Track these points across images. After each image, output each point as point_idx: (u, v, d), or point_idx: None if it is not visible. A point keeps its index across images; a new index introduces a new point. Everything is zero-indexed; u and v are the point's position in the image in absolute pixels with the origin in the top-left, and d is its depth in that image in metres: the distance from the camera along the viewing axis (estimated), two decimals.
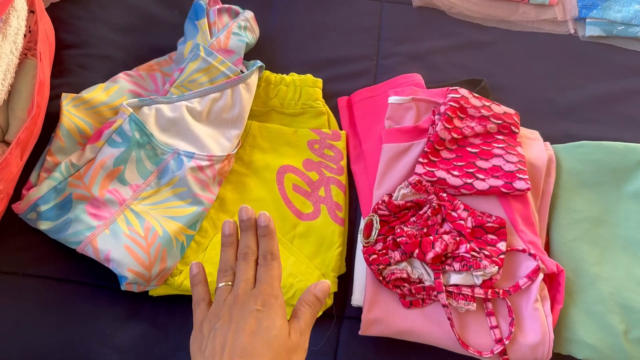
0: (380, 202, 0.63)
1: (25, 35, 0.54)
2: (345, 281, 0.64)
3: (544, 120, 0.75)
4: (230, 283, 0.47)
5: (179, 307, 0.60)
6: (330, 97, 0.74)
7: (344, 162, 0.69)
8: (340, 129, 0.73)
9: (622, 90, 0.78)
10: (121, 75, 0.65)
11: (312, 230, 0.66)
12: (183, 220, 0.60)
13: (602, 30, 0.81)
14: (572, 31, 0.82)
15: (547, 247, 0.67)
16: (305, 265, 0.63)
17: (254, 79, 0.68)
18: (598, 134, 0.73)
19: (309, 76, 0.72)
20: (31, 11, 0.55)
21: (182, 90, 0.65)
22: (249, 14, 0.71)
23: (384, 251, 0.61)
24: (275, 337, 0.43)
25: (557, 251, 0.66)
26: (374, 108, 0.71)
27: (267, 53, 0.75)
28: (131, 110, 0.59)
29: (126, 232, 0.56)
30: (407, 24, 0.79)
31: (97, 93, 0.62)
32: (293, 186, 0.68)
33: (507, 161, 0.64)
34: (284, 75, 0.72)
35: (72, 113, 0.59)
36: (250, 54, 0.71)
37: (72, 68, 0.63)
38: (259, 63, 0.69)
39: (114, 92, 0.63)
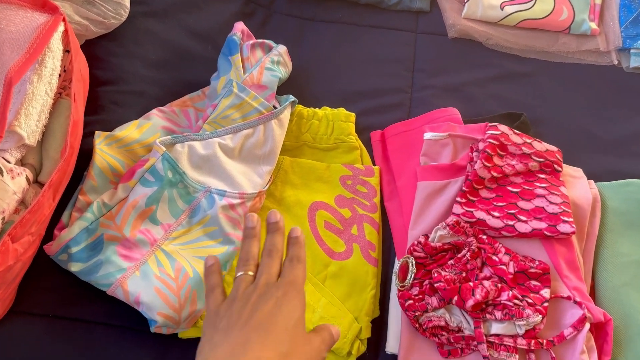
0: (415, 243, 0.61)
1: (60, 75, 0.54)
2: (378, 325, 0.62)
3: (587, 156, 0.72)
4: (250, 273, 0.45)
5: None
6: (363, 131, 0.72)
7: (377, 199, 0.67)
8: (374, 164, 0.71)
9: None
10: (154, 111, 0.65)
11: (344, 271, 0.64)
12: None
13: None
14: (616, 62, 0.79)
15: (593, 293, 0.63)
16: (337, 308, 0.61)
17: (286, 115, 0.67)
18: None
19: (342, 110, 0.71)
20: (66, 51, 0.55)
21: (215, 127, 0.64)
22: (282, 49, 0.70)
23: (421, 296, 0.58)
24: (295, 326, 0.41)
25: (603, 298, 0.62)
26: (409, 143, 0.69)
27: (299, 85, 0.74)
28: (164, 149, 0.59)
29: (157, 273, 0.55)
30: (442, 55, 0.78)
31: (130, 131, 0.61)
32: (325, 223, 0.66)
33: (551, 202, 0.61)
34: (317, 110, 0.71)
35: (104, 151, 0.59)
36: (283, 87, 0.70)
37: (106, 105, 0.63)
38: (292, 98, 0.68)
39: (147, 129, 0.62)
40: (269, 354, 0.38)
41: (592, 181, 0.67)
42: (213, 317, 0.43)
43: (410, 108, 0.75)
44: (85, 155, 0.59)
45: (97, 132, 0.59)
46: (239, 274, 0.45)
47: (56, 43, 0.52)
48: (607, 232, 0.65)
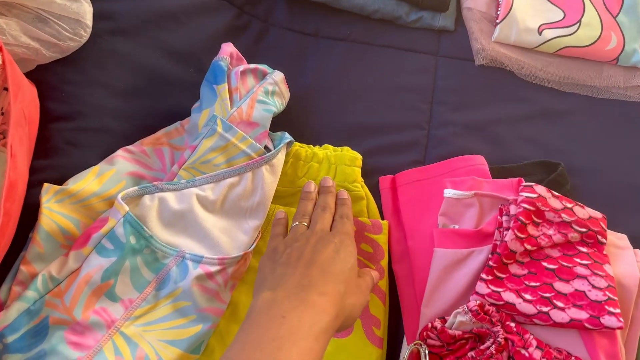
0: (429, 327, 0.51)
1: None
2: None
3: (633, 214, 0.61)
4: (305, 223, 0.50)
5: None
6: (370, 173, 0.61)
7: (384, 262, 0.57)
8: (382, 216, 0.60)
9: None
10: (119, 153, 0.53)
11: (342, 351, 0.54)
12: (184, 345, 0.49)
13: None
14: None
15: None
16: None
17: (280, 158, 0.56)
18: None
19: (346, 151, 0.60)
20: (4, 89, 0.44)
21: (193, 173, 0.53)
22: (278, 76, 0.59)
23: None
24: (350, 270, 0.46)
25: None
26: (424, 195, 0.59)
27: (297, 117, 0.63)
28: (127, 208, 0.48)
29: None
30: (466, 86, 0.66)
31: (87, 182, 0.50)
32: None
33: (594, 286, 0.51)
34: (316, 149, 0.60)
35: (53, 211, 0.48)
36: (277, 118, 0.59)
37: (60, 146, 0.51)
38: (288, 138, 0.57)
39: (109, 177, 0.51)
40: (331, 291, 0.43)
41: (638, 251, 0.57)
42: (272, 254, 0.48)
43: (427, 148, 0.63)
44: (31, 211, 0.48)
45: (45, 186, 0.48)
46: (295, 224, 0.50)
47: None
48: None
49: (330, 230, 0.49)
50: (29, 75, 0.51)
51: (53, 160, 0.51)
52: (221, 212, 0.53)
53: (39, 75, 0.52)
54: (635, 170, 0.64)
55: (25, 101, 0.46)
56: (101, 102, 0.54)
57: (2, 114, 0.45)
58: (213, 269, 0.51)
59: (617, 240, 0.57)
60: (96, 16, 0.53)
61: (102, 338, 0.46)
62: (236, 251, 0.53)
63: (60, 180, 0.50)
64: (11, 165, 0.42)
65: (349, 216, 0.51)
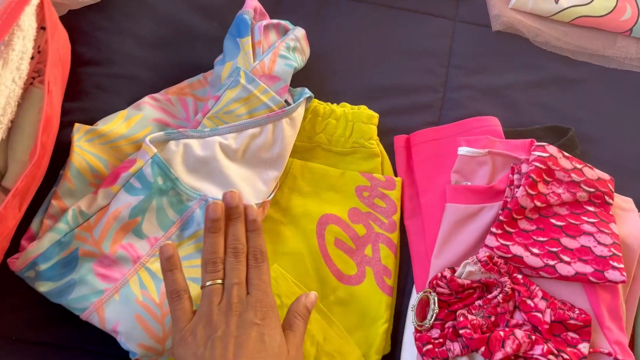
0: (439, 276, 0.53)
1: (32, 58, 0.44)
2: None
3: (639, 181, 0.63)
4: (219, 281, 0.44)
5: None
6: (385, 133, 0.63)
7: (396, 216, 0.59)
8: (395, 174, 0.62)
9: None
10: (146, 100, 0.55)
11: (354, 298, 0.56)
12: None
13: None
14: None
15: (632, 343, 0.56)
16: (345, 342, 0.54)
17: (300, 112, 0.58)
18: None
19: (364, 110, 0.61)
20: (42, 27, 0.45)
21: (217, 123, 0.55)
22: (299, 32, 0.60)
23: (441, 340, 0.51)
24: (278, 355, 0.41)
25: None
26: (438, 154, 0.60)
27: (316, 76, 0.64)
28: (155, 150, 0.50)
29: (139, 297, 0.48)
30: (482, 51, 0.67)
31: (116, 124, 0.52)
32: (335, 241, 0.58)
33: (599, 242, 0.53)
34: (334, 106, 0.61)
35: (84, 149, 0.49)
36: (297, 77, 0.60)
37: (89, 90, 0.53)
38: (308, 93, 0.59)
39: (136, 122, 0.53)
40: None
41: None
42: (189, 340, 0.41)
43: (442, 110, 0.65)
44: (62, 150, 0.50)
45: (76, 125, 0.50)
46: (208, 283, 0.44)
47: (28, 19, 0.42)
48: None
49: (247, 291, 0.43)
50: (61, 20, 0.52)
51: (82, 102, 0.53)
52: (242, 161, 0.55)
53: (71, 20, 0.53)
54: (637, 140, 0.65)
55: (60, 42, 0.47)
56: (129, 50, 0.55)
57: (39, 52, 0.46)
58: None
59: (622, 202, 0.59)
60: None
61: (129, 272, 0.48)
62: (255, 199, 0.55)
63: (88, 122, 0.52)
64: (48, 100, 0.44)
65: (262, 250, 0.45)
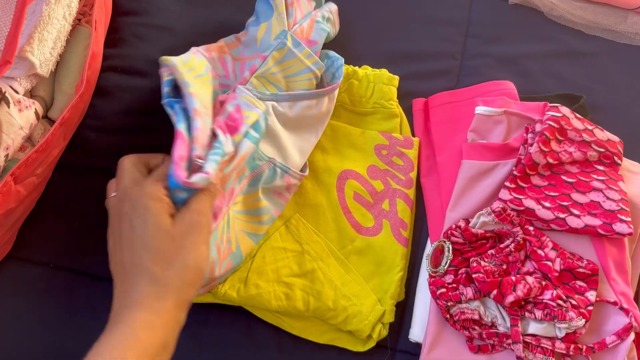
0: (454, 227, 0.56)
1: None
2: (402, 309, 0.58)
3: None
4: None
5: (217, 318, 0.55)
6: (404, 96, 0.66)
7: (413, 174, 0.62)
8: (413, 135, 0.65)
9: None
10: (198, 50, 0.55)
11: (371, 248, 0.59)
12: (256, 240, 0.54)
13: None
14: None
15: (637, 299, 0.59)
16: (361, 287, 0.57)
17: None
18: None
19: (384, 72, 0.64)
20: None
21: (263, 82, 0.55)
22: (333, 7, 0.63)
23: (455, 285, 0.53)
24: (151, 235, 0.39)
25: None
26: (455, 116, 0.63)
27: (339, 40, 0.66)
28: (264, 107, 0.50)
29: (217, 242, 0.49)
30: (499, 22, 0.70)
31: (194, 62, 0.49)
32: (354, 195, 0.61)
33: (608, 198, 0.55)
34: (357, 68, 0.64)
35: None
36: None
37: (127, 38, 0.56)
38: (338, 58, 0.61)
39: (204, 65, 0.53)
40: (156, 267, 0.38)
41: None
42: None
43: (459, 77, 0.68)
44: (101, 92, 0.52)
45: (166, 58, 0.46)
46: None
47: None
48: None
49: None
50: None
51: (121, 49, 0.55)
52: (292, 128, 0.55)
53: None
54: None
55: None
56: (165, 3, 0.58)
57: None
58: (293, 181, 0.55)
59: (631, 166, 0.61)
60: None
61: (223, 214, 0.49)
62: (300, 165, 0.56)
63: (126, 69, 0.54)
64: (94, 38, 0.46)
65: None
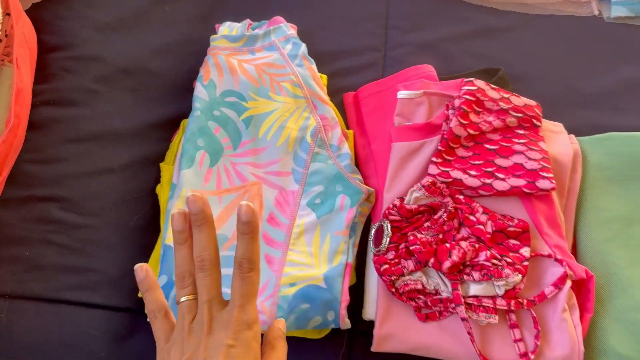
0: (391, 206, 0.59)
1: (0, 41, 0.50)
2: (355, 293, 0.60)
3: (568, 111, 0.69)
4: (192, 297, 0.40)
5: None
6: (336, 92, 0.69)
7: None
8: (347, 127, 0.68)
9: None
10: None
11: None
12: None
13: (629, 10, 0.75)
14: (597, 12, 0.76)
15: (574, 251, 0.61)
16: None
17: None
18: (628, 123, 0.67)
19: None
20: (7, 14, 0.51)
21: None
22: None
23: (397, 260, 0.56)
24: None
25: (585, 255, 0.60)
26: (382, 104, 0.66)
27: None
28: None
29: None
30: (416, 11, 0.74)
31: None
32: None
33: (530, 158, 0.58)
34: None
35: None
36: None
37: (56, 72, 0.59)
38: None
39: None
40: None
41: (572, 136, 0.65)
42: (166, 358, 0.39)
43: (384, 67, 0.71)
44: (37, 126, 0.55)
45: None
46: (182, 299, 0.40)
47: None
48: (589, 188, 0.63)
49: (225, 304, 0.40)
50: (26, 13, 0.58)
51: (52, 84, 0.58)
52: None
53: (34, 12, 0.59)
54: (569, 74, 0.72)
55: (25, 27, 0.53)
56: (90, 34, 0.61)
57: (7, 36, 0.52)
58: None
59: (552, 126, 0.64)
60: None
61: None
62: None
63: (58, 101, 0.57)
64: (17, 74, 0.49)
65: (252, 258, 0.39)
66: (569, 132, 0.65)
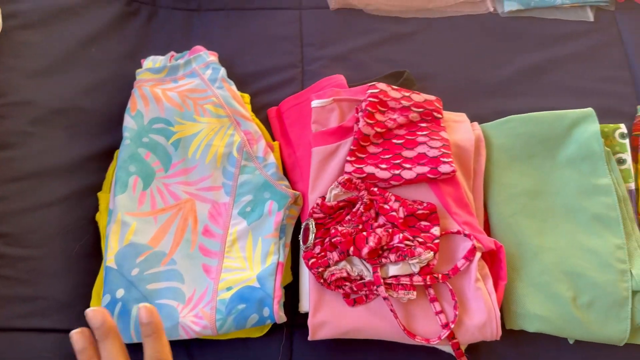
0: (314, 205, 0.64)
1: None
2: (292, 290, 0.65)
3: (474, 101, 0.76)
4: None
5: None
6: (261, 109, 0.75)
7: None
8: (274, 139, 0.73)
9: (546, 59, 0.79)
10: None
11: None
12: None
13: (519, 3, 0.82)
14: (491, 9, 0.83)
15: (488, 226, 0.67)
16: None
17: None
18: (528, 106, 0.74)
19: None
20: None
21: None
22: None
23: (323, 254, 0.61)
24: None
25: (497, 228, 0.66)
26: (302, 114, 0.72)
27: None
28: None
29: None
30: (327, 28, 0.80)
31: None
32: None
33: (431, 147, 0.64)
34: None
35: None
36: None
37: None
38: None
39: None
40: None
41: (475, 123, 0.71)
42: None
43: (303, 81, 0.77)
44: None
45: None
46: None
47: None
48: (495, 168, 0.69)
49: None
50: None
51: None
52: None
53: None
54: (472, 68, 0.78)
55: None
56: (20, 81, 0.66)
57: None
58: None
59: (455, 117, 0.71)
60: (4, 16, 0.66)
61: None
62: None
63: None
64: None
65: (162, 357, 0.39)
66: (476, 120, 0.72)
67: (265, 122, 0.74)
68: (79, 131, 0.68)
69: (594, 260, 0.63)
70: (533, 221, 0.66)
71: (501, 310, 0.63)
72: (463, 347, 0.60)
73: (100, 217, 0.64)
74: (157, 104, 0.67)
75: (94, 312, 0.39)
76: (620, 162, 0.70)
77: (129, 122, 0.66)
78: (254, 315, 0.58)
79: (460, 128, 0.69)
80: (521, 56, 0.79)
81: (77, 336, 0.39)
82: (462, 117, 0.71)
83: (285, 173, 0.71)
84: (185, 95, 0.68)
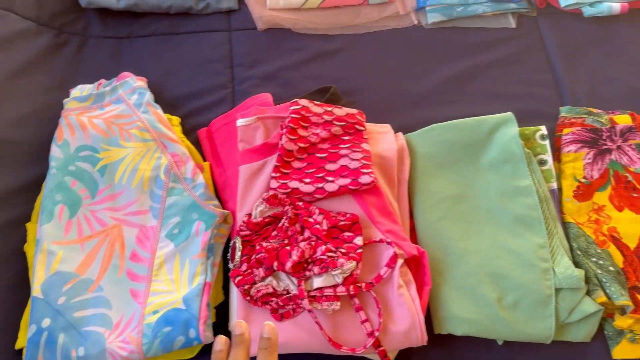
0: (241, 223, 0.65)
1: None
2: (224, 309, 0.65)
3: (401, 112, 0.78)
4: None
5: None
6: (192, 131, 0.76)
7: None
8: (204, 159, 0.74)
9: (470, 67, 0.82)
10: None
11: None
12: None
13: (442, 15, 0.85)
14: (416, 22, 0.86)
15: (414, 232, 0.69)
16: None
17: None
18: (455, 113, 0.76)
19: (166, 116, 0.74)
20: None
21: None
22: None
23: (249, 271, 0.62)
24: None
25: (423, 234, 0.68)
26: (231, 134, 0.73)
27: None
28: None
29: None
30: (256, 48, 0.82)
31: None
32: None
33: (352, 159, 0.66)
34: None
35: None
36: None
37: None
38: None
39: None
40: None
41: (399, 133, 0.73)
42: None
43: (234, 101, 0.79)
44: None
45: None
46: None
47: None
48: (421, 176, 0.71)
49: None
50: None
51: None
52: None
53: None
54: (399, 80, 0.81)
55: None
56: None
57: None
58: None
59: (379, 128, 0.73)
60: None
61: None
62: None
63: None
64: None
65: None
66: (404, 130, 0.74)
67: (197, 144, 0.75)
68: (6, 163, 0.68)
69: (517, 261, 0.65)
70: (458, 225, 0.68)
71: (429, 315, 0.64)
72: (392, 355, 0.61)
73: (28, 248, 0.64)
74: (83, 131, 0.68)
75: (239, 323, 0.51)
76: (542, 162, 0.72)
77: (55, 151, 0.67)
78: (180, 337, 0.58)
79: (383, 139, 0.71)
80: (447, 66, 0.82)
81: (220, 339, 0.50)
82: (386, 128, 0.73)
83: (217, 193, 0.72)
84: (110, 121, 0.69)
